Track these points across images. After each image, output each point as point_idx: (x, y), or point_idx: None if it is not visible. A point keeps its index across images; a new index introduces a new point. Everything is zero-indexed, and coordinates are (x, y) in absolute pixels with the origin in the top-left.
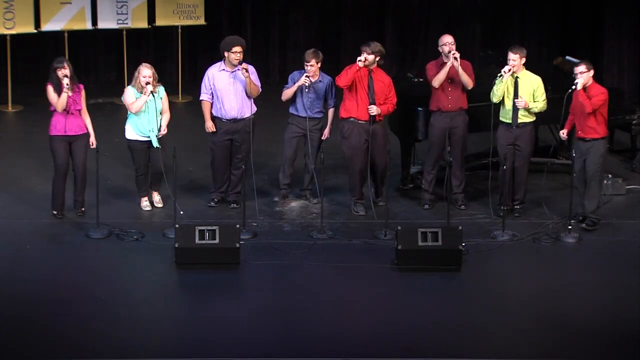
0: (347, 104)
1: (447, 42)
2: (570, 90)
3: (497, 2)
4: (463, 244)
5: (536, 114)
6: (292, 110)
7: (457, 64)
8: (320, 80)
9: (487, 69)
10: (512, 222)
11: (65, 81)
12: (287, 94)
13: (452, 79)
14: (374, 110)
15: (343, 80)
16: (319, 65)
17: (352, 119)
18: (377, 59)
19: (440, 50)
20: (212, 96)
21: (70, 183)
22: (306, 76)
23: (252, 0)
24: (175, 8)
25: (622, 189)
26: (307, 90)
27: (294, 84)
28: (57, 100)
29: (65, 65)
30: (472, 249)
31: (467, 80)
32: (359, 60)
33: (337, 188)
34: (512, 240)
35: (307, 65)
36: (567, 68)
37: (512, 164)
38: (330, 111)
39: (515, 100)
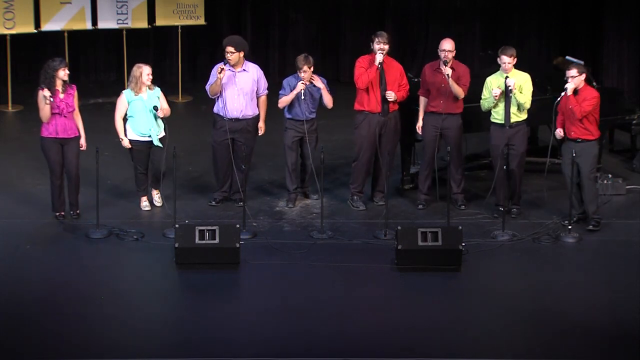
0: (360, 97)
1: (444, 49)
2: (559, 99)
3: (497, 2)
4: (463, 244)
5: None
6: (288, 115)
7: (450, 80)
8: (314, 84)
9: (487, 69)
10: (512, 222)
11: (47, 94)
12: (284, 101)
13: (444, 82)
14: (392, 96)
15: (364, 81)
16: (312, 69)
17: (365, 111)
18: (388, 48)
19: (439, 54)
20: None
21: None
22: (302, 83)
23: (252, 0)
24: (175, 8)
25: (622, 189)
26: (303, 97)
27: (290, 89)
28: (41, 110)
29: (67, 65)
30: (472, 249)
31: (458, 91)
32: (379, 63)
33: (338, 187)
34: (512, 240)
35: (300, 72)
36: (567, 68)
37: (506, 164)
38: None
39: (507, 80)
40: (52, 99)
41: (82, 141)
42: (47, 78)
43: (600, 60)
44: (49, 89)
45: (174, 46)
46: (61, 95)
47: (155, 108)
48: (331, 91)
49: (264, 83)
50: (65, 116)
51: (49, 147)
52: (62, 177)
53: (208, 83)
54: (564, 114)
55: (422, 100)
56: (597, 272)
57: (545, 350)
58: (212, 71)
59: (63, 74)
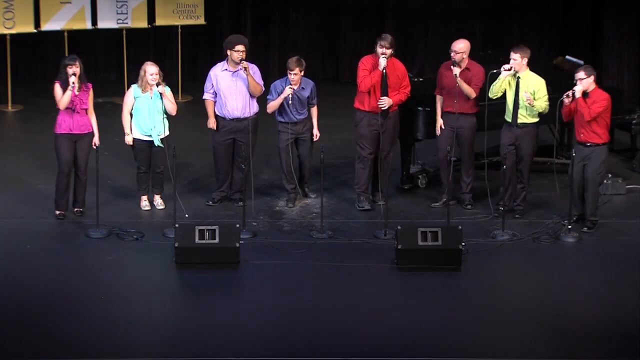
0: (360, 96)
1: (453, 49)
2: (565, 97)
3: (497, 2)
4: (463, 244)
5: (539, 115)
6: (279, 118)
7: (458, 80)
8: (303, 87)
9: (487, 68)
10: (512, 222)
11: (72, 79)
12: (272, 106)
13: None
14: (385, 103)
15: (366, 85)
16: (302, 73)
17: (364, 111)
18: (392, 51)
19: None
20: (215, 95)
21: (73, 182)
22: (290, 87)
23: (252, 0)
24: (175, 8)
25: (622, 189)
26: (290, 102)
27: (278, 94)
28: (61, 98)
29: (77, 63)
30: (472, 249)
31: (468, 91)
32: (383, 67)
33: (338, 187)
34: (512, 240)
35: (290, 74)
36: (567, 68)
37: (513, 164)
38: (313, 110)
39: (524, 93)
40: (74, 83)
41: (95, 139)
42: (61, 74)
43: (600, 60)
44: (65, 84)
45: (174, 46)
46: (76, 92)
47: (157, 84)
48: (331, 90)
49: (259, 78)
50: (78, 112)
51: (62, 144)
52: (69, 176)
53: (206, 90)
54: (575, 116)
55: (439, 100)
56: (597, 272)
57: (545, 349)
58: (211, 75)
59: (71, 71)
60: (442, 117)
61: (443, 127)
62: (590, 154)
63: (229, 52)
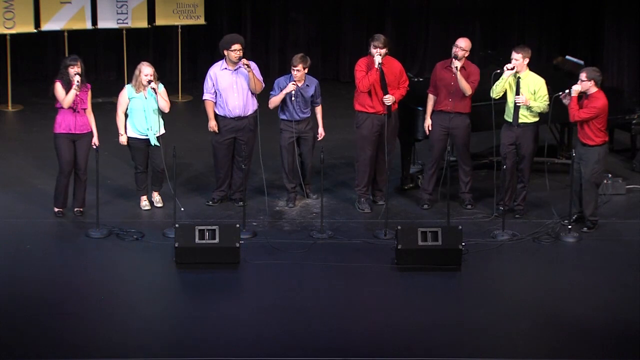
0: (361, 98)
1: (457, 44)
2: (560, 93)
3: (497, 2)
4: (463, 244)
5: (540, 115)
6: (282, 116)
7: (457, 73)
8: (307, 85)
9: (487, 68)
10: (512, 222)
11: (77, 79)
12: (274, 101)
13: (454, 81)
14: (389, 100)
15: (365, 85)
16: (306, 70)
17: (366, 112)
18: (386, 50)
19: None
20: (215, 95)
21: (73, 181)
22: (293, 83)
23: (252, 0)
24: (175, 8)
25: (622, 189)
26: (293, 98)
27: (281, 90)
28: (64, 97)
29: (79, 63)
30: (472, 249)
31: (465, 87)
32: (378, 63)
33: (338, 187)
34: (512, 240)
35: (294, 70)
36: (567, 67)
37: (513, 164)
38: (318, 109)
39: (516, 97)
40: (79, 82)
41: (95, 139)
42: (62, 74)
43: (600, 60)
44: (66, 84)
45: (174, 46)
46: (77, 92)
47: (149, 81)
48: (330, 90)
49: (258, 74)
50: (78, 112)
51: (62, 143)
52: (70, 176)
53: (206, 90)
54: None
55: (431, 99)
56: (597, 272)
57: (545, 349)
58: (211, 74)
59: (72, 71)
60: (435, 116)
61: (431, 128)
62: (584, 154)
63: (226, 53)
